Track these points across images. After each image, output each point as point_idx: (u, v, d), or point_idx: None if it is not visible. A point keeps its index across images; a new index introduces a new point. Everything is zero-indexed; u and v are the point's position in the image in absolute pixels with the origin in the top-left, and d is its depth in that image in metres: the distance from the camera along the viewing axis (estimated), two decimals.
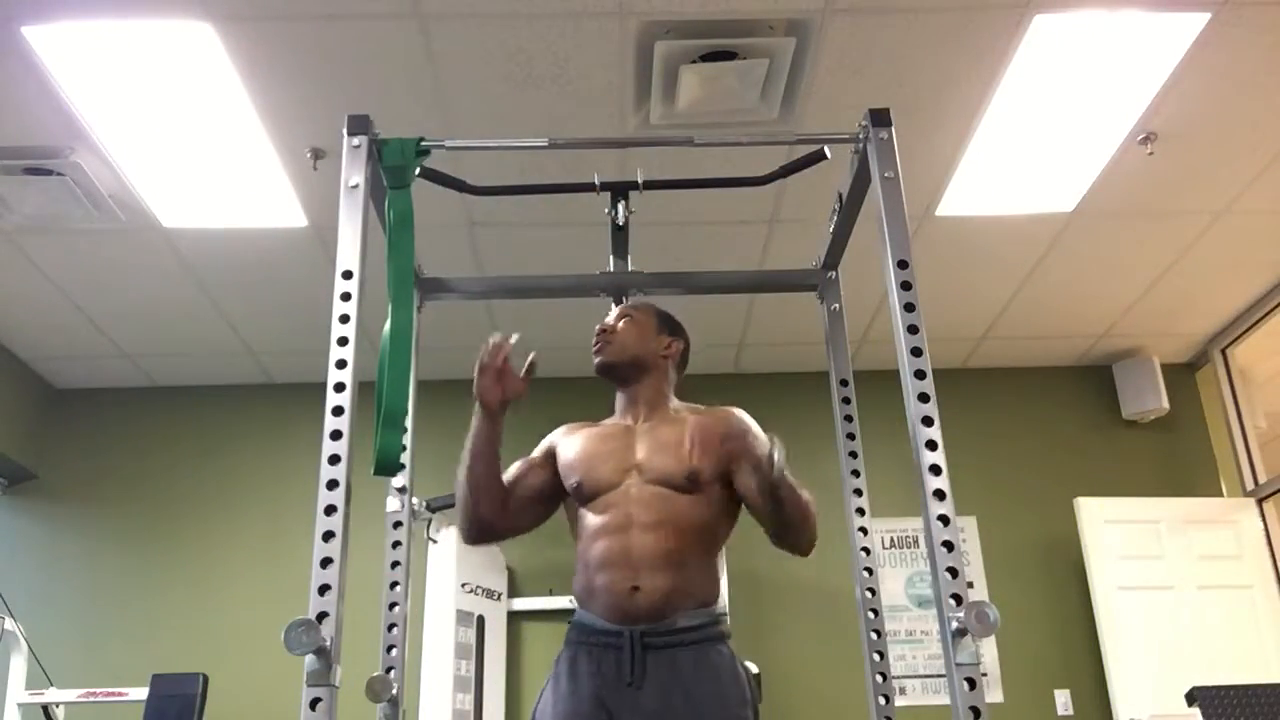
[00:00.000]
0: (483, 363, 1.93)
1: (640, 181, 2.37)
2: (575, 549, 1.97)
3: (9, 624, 4.00)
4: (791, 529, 1.86)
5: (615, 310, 2.22)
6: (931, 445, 1.67)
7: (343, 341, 1.75)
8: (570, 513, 2.03)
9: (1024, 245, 4.27)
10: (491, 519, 1.97)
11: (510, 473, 2.04)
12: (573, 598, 1.96)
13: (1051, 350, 5.25)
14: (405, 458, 2.27)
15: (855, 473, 2.33)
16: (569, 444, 2.06)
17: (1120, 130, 3.51)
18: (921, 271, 1.84)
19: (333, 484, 1.62)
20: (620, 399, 2.13)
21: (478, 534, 1.99)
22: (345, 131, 1.95)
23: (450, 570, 4.38)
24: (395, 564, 2.27)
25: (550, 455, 2.08)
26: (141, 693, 3.84)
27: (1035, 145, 3.60)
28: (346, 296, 1.78)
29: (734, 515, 2.01)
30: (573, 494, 1.99)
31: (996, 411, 5.26)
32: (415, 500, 2.38)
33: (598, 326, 2.14)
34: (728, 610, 1.98)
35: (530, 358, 1.98)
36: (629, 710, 1.78)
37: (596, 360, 2.10)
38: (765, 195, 3.78)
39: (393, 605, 2.22)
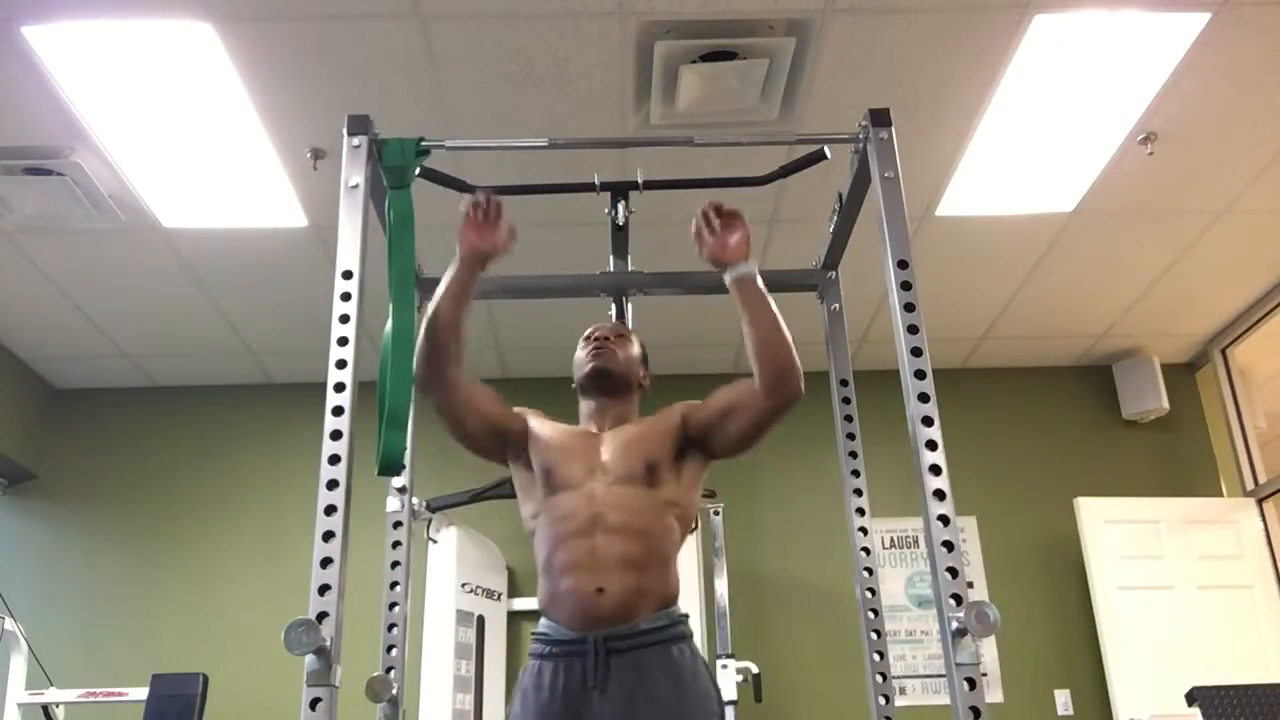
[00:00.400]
0: (466, 213, 1.95)
1: (640, 181, 2.38)
2: (537, 558, 1.95)
3: (9, 624, 4.00)
4: (774, 338, 1.88)
5: (607, 325, 2.21)
6: (931, 445, 1.67)
7: (343, 341, 1.75)
8: (529, 512, 2.00)
9: (1024, 245, 4.27)
10: (439, 364, 1.92)
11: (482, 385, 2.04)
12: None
13: (1051, 350, 5.25)
14: (406, 458, 2.26)
15: (855, 473, 2.33)
16: (542, 427, 2.05)
17: (1120, 130, 3.51)
18: (921, 271, 1.84)
19: (332, 484, 1.62)
20: (590, 408, 2.11)
21: (423, 371, 1.92)
22: (345, 131, 1.95)
23: (450, 570, 4.38)
24: (395, 564, 2.27)
25: (523, 419, 2.07)
26: (141, 693, 3.84)
27: (1035, 145, 3.60)
28: (346, 296, 1.78)
29: (693, 514, 2.03)
30: (541, 478, 1.97)
31: (996, 411, 5.27)
32: (415, 500, 2.38)
33: (596, 334, 2.14)
34: (687, 612, 1.97)
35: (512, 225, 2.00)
36: (593, 717, 1.78)
37: (597, 365, 2.08)
38: (765, 195, 3.77)
39: (393, 605, 2.22)
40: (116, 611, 4.81)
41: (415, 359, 1.91)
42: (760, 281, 1.92)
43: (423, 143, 2.01)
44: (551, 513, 1.93)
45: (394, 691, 2.09)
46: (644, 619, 1.84)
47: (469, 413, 1.99)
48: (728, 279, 1.94)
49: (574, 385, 2.17)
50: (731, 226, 1.95)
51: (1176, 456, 5.22)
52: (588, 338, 2.16)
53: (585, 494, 1.91)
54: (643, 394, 2.17)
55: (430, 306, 1.93)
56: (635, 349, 2.16)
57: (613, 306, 2.44)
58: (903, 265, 1.82)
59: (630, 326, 2.32)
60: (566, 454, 1.98)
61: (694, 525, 2.22)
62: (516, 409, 2.09)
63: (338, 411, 1.68)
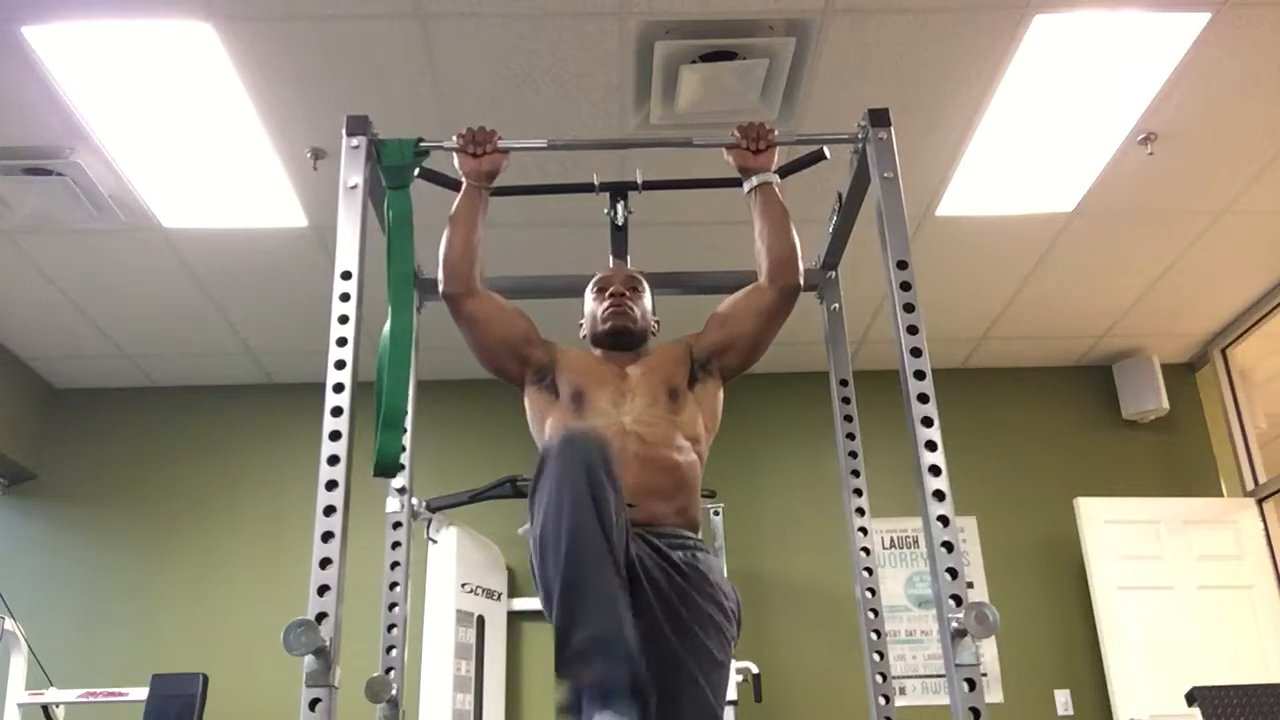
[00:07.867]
0: (463, 148, 2.05)
1: (639, 182, 2.37)
2: None
3: (9, 624, 4.00)
4: (783, 229, 2.10)
5: (619, 274, 2.22)
6: (931, 445, 1.67)
7: (342, 342, 1.74)
8: (550, 431, 2.01)
9: (1024, 245, 4.27)
10: (458, 263, 2.03)
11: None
12: None
13: (1051, 350, 5.25)
14: (405, 458, 2.27)
15: (855, 473, 2.33)
16: (570, 355, 2.11)
17: (1120, 130, 3.50)
18: (921, 271, 1.84)
19: (332, 484, 1.62)
20: (604, 355, 2.15)
21: (444, 279, 2.04)
22: (344, 132, 1.95)
23: (450, 570, 4.38)
24: (395, 564, 2.27)
25: (552, 346, 2.11)
26: (141, 693, 3.83)
27: (1035, 145, 3.60)
28: (345, 297, 1.78)
29: (713, 430, 2.08)
30: (570, 402, 2.01)
31: (996, 411, 5.26)
32: (415, 500, 2.38)
33: (610, 288, 2.16)
34: None
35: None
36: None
37: (617, 323, 2.12)
38: None
39: (392, 605, 2.22)
40: (116, 611, 4.81)
41: (440, 263, 2.02)
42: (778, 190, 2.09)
43: (421, 143, 2.01)
44: None
45: (394, 692, 2.09)
46: (669, 528, 1.89)
47: (490, 325, 2.06)
48: (751, 183, 2.10)
49: (584, 335, 2.20)
50: (766, 142, 2.09)
51: (1176, 456, 5.22)
52: (601, 289, 2.18)
53: (613, 422, 1.94)
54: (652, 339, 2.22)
55: (448, 221, 2.05)
56: (648, 299, 2.21)
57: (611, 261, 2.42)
58: (902, 265, 1.82)
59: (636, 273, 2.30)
60: (596, 379, 2.03)
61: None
62: (545, 338, 2.13)
63: (337, 412, 1.68)
